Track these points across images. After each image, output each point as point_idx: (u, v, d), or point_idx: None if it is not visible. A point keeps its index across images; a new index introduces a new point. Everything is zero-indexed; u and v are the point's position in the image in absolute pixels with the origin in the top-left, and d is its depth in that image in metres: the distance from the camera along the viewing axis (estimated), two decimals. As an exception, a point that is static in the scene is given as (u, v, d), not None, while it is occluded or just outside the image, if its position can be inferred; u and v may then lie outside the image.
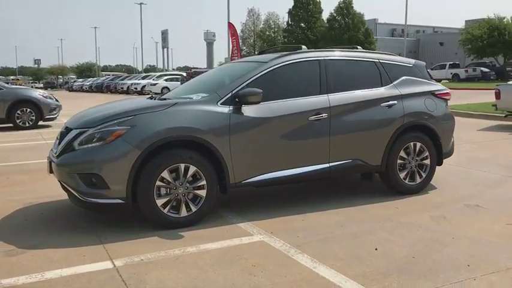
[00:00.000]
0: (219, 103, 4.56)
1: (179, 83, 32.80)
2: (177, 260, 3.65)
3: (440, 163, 5.72)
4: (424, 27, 73.60)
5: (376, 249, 3.83)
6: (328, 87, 5.07)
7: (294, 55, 5.13)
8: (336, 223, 4.51)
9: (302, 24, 57.16)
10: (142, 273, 3.40)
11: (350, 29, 50.59)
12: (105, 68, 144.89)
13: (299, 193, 5.67)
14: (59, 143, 4.63)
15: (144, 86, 36.68)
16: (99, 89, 46.18)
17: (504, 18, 41.57)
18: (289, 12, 58.36)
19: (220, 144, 4.45)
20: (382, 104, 5.28)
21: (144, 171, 4.20)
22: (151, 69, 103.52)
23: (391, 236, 4.13)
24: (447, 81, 41.28)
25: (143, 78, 40.66)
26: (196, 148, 4.42)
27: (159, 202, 4.28)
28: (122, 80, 44.19)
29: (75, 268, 3.50)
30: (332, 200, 5.26)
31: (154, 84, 35.74)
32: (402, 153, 5.40)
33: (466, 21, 68.71)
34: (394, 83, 5.48)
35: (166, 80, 36.00)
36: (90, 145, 4.24)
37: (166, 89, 35.21)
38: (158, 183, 4.26)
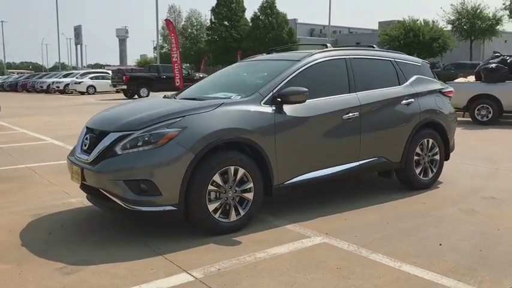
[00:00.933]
0: (262, 103, 4.42)
1: (108, 81, 31.37)
2: (256, 267, 3.47)
3: (447, 158, 5.97)
4: (341, 28, 76.65)
5: (440, 244, 3.91)
6: (356, 86, 5.10)
7: (323, 53, 5.09)
8: (379, 221, 4.54)
9: (226, 23, 57.10)
10: (232, 284, 3.20)
11: (274, 28, 51.40)
12: (9, 66, 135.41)
13: (318, 192, 5.64)
14: (88, 147, 4.24)
15: (67, 85, 34.64)
16: (13, 87, 42.93)
17: (418, 20, 44.41)
18: (213, 10, 58.08)
19: (266, 145, 4.31)
20: (402, 102, 5.41)
21: (197, 175, 3.96)
22: (61, 66, 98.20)
23: (442, 231, 4.23)
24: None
25: (65, 76, 38.42)
26: (244, 149, 4.25)
27: (211, 207, 4.06)
28: (40, 78, 41.43)
29: (154, 283, 3.22)
30: (355, 198, 5.28)
31: (79, 83, 33.88)
32: (418, 150, 5.57)
33: (379, 22, 72.59)
34: (409, 81, 5.64)
35: (91, 78, 34.25)
36: (137, 149, 3.92)
37: (92, 87, 33.69)
38: (210, 187, 4.04)
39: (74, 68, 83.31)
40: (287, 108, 4.49)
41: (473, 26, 46.13)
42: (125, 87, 26.37)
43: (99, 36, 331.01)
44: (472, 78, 13.17)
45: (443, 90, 5.99)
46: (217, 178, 4.06)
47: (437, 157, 5.79)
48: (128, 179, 3.88)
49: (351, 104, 4.94)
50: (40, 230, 4.40)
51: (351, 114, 4.91)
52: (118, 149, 3.97)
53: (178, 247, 3.87)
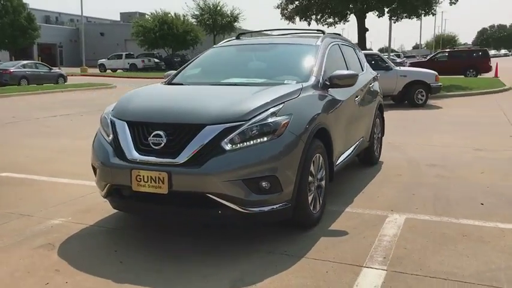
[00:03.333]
0: (320, 87, 4.27)
1: None
2: (409, 248, 3.45)
3: (383, 135, 6.76)
4: (78, 16, 72.33)
5: (482, 204, 4.55)
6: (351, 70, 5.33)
7: (327, 38, 5.11)
8: (403, 193, 4.93)
9: None
10: (424, 266, 3.14)
11: (9, 13, 45.04)
12: None
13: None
14: (166, 146, 3.36)
15: None
16: None
17: (169, 13, 45.60)
18: None
19: (331, 130, 4.20)
20: (369, 86, 5.89)
21: (304, 165, 3.62)
22: None
23: (458, 194, 4.89)
24: (122, 70, 42.59)
25: None
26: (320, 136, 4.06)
27: (309, 199, 3.78)
28: None
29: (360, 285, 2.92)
30: (338, 177, 5.55)
31: None
32: (374, 129, 6.16)
33: (121, 13, 71.59)
34: (365, 67, 6.16)
35: None
36: (251, 142, 3.34)
37: None
38: (309, 178, 3.75)
39: None
40: (332, 92, 4.44)
41: (216, 21, 50.04)
42: None
43: None
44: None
45: (377, 76, 6.72)
46: (311, 167, 3.80)
47: (380, 134, 6.51)
48: (250, 178, 3.29)
49: (356, 88, 5.16)
50: (98, 262, 3.29)
51: (357, 97, 5.15)
52: (225, 144, 3.31)
53: (299, 246, 3.51)
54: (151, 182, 3.33)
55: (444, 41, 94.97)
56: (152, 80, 29.04)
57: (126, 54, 44.25)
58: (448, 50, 34.67)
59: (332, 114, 4.27)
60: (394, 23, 23.35)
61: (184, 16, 46.15)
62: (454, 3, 20.66)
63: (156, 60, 44.24)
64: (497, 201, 4.65)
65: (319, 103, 4.06)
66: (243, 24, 52.08)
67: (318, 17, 22.04)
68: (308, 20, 21.52)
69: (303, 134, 3.58)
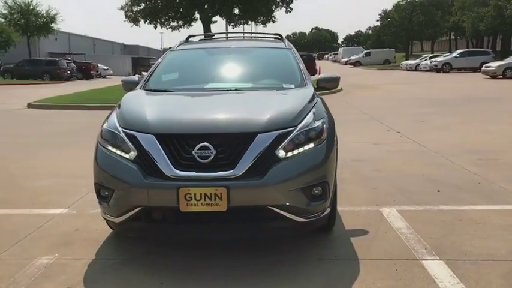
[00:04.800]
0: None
1: None
2: (430, 237, 3.71)
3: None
4: None
5: (438, 190, 5.08)
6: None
7: (289, 43, 5.14)
8: (363, 187, 5.25)
9: None
10: (466, 244, 3.43)
11: None
12: None
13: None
14: (216, 159, 3.03)
15: None
16: None
17: None
18: None
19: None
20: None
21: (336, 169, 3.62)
22: None
23: (407, 185, 5.40)
24: None
25: None
26: None
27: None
28: None
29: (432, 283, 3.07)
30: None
31: None
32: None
33: None
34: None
35: None
36: (302, 148, 3.20)
37: None
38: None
39: None
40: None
41: (29, 22, 45.46)
42: None
43: None
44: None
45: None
46: (330, 170, 3.82)
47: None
48: (308, 185, 3.16)
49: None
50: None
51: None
52: (280, 152, 3.12)
53: (342, 249, 3.54)
54: (205, 200, 2.97)
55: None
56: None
57: None
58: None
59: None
60: (233, 28, 24.23)
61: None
62: (290, 12, 22.38)
63: None
64: (446, 187, 5.22)
65: (325, 107, 4.09)
66: (61, 25, 48.36)
67: (163, 20, 21.68)
68: (154, 23, 21.02)
69: (334, 137, 3.58)
